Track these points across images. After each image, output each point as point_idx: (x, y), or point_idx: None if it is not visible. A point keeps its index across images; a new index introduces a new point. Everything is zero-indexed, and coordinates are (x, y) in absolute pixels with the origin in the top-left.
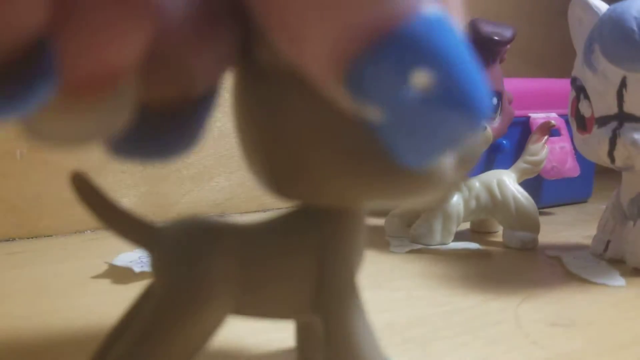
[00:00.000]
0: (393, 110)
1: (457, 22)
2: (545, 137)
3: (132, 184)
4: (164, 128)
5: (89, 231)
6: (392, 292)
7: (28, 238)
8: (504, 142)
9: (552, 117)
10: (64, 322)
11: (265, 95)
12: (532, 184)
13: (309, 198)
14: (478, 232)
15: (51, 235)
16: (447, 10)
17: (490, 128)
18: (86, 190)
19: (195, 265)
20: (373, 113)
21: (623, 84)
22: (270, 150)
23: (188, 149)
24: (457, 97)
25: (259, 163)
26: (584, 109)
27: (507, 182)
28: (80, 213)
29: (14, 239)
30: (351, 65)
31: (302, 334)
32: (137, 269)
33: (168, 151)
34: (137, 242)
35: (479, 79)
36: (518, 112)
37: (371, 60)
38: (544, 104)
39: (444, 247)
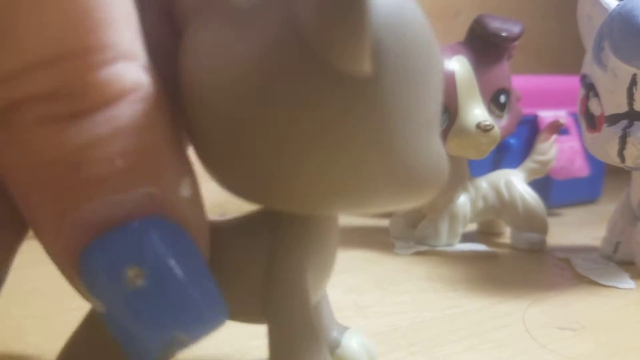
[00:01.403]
0: (108, 302)
1: (184, 228)
2: (554, 136)
3: None
4: None
5: None
6: (397, 295)
7: (34, 238)
8: (512, 141)
9: (561, 115)
10: (65, 322)
11: None
12: (541, 184)
13: (274, 203)
14: (485, 233)
15: None
16: (175, 216)
17: (498, 127)
18: None
19: None
20: (96, 304)
21: (633, 81)
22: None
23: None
24: (173, 297)
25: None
26: (594, 107)
27: (515, 182)
28: None
29: None
30: (79, 260)
31: None
32: None
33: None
34: None
35: (204, 288)
36: (526, 111)
37: (90, 257)
38: (553, 102)
39: (450, 248)
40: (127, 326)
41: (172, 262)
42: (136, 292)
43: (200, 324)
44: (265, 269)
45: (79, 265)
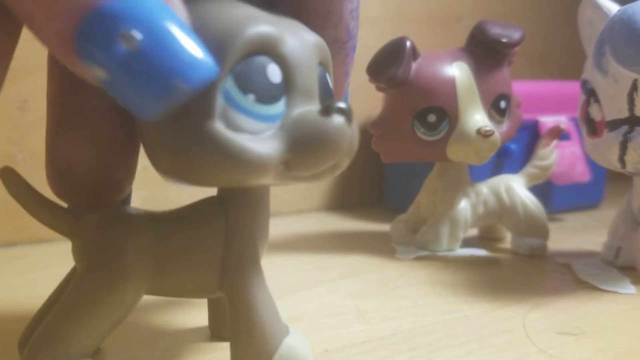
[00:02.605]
0: (110, 67)
1: None
2: (555, 141)
3: (133, 188)
4: None
5: None
6: (398, 300)
7: (29, 243)
8: (512, 146)
9: (562, 120)
10: None
11: None
12: (542, 189)
13: (192, 181)
14: (486, 238)
15: (52, 241)
16: None
17: (498, 132)
18: (15, 183)
19: (113, 251)
20: (98, 73)
21: (634, 87)
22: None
23: None
24: (166, 52)
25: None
26: (594, 112)
27: (516, 187)
28: None
29: (15, 244)
30: (75, 36)
31: (213, 311)
32: None
33: None
34: (60, 230)
35: (190, 39)
36: (526, 116)
37: (86, 29)
38: (553, 107)
39: (451, 253)
40: (131, 85)
41: (164, 19)
42: (135, 51)
43: (196, 70)
44: (218, 250)
45: (76, 42)
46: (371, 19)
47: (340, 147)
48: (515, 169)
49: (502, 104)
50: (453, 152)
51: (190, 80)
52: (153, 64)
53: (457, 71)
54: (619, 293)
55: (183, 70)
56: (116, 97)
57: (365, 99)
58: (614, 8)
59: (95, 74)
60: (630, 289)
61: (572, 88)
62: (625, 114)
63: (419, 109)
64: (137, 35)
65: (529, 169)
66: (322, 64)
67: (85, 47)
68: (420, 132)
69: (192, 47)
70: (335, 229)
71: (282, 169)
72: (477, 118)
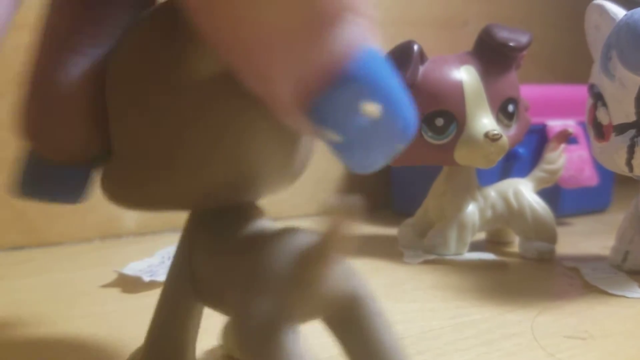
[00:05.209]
0: (349, 134)
1: (377, 42)
2: (562, 145)
3: None
4: (62, 178)
5: (98, 239)
6: (405, 304)
7: (37, 246)
8: (521, 150)
9: (570, 124)
10: (73, 330)
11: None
12: (550, 193)
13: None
14: (494, 242)
15: (60, 244)
16: (369, 35)
17: (506, 136)
18: None
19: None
20: (332, 137)
21: None
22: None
23: (79, 197)
24: (398, 120)
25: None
26: (602, 116)
27: (524, 191)
28: (90, 221)
29: (23, 247)
30: (313, 100)
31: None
32: (146, 278)
33: (64, 196)
34: None
35: (407, 100)
36: (535, 120)
37: (329, 96)
38: (561, 112)
39: (458, 257)
40: (362, 149)
41: (396, 85)
42: (374, 121)
43: (411, 130)
44: None
45: (313, 106)
46: (377, 23)
47: None
48: (523, 172)
49: (510, 108)
50: (461, 156)
51: (407, 141)
52: (388, 131)
53: (465, 75)
54: (627, 297)
55: (405, 132)
56: (340, 157)
57: None
58: (620, 13)
59: (328, 136)
60: (639, 292)
61: (580, 92)
62: (632, 118)
63: (426, 113)
64: (378, 105)
65: (537, 172)
66: None
67: (322, 113)
68: (428, 136)
69: (412, 110)
70: None
71: None
72: (484, 122)
